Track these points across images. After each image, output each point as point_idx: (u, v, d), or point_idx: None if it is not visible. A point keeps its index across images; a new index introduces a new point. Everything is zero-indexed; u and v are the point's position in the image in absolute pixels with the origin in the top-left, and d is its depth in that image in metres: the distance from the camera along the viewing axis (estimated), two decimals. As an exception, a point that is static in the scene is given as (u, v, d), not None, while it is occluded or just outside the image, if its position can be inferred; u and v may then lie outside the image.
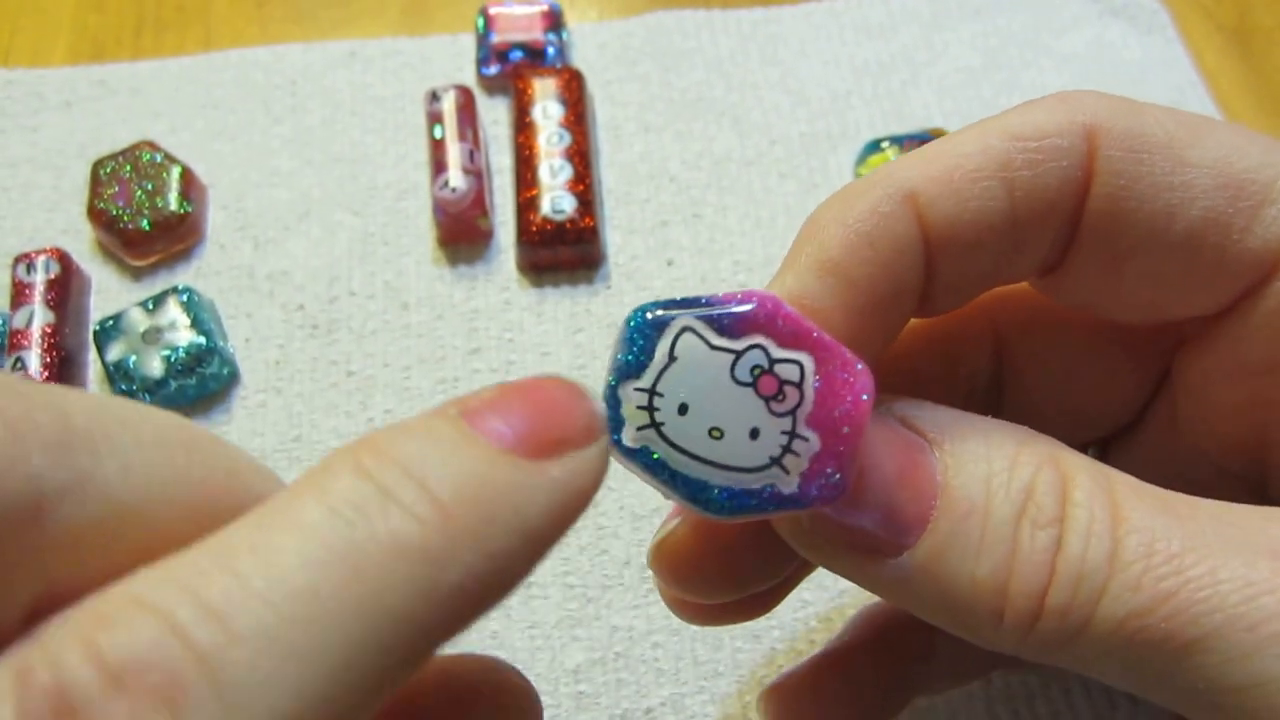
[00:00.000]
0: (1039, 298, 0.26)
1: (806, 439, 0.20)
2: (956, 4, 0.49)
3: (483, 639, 0.35)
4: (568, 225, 0.42)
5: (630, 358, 0.20)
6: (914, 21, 0.49)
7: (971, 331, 0.27)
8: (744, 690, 0.34)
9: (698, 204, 0.44)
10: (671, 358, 0.20)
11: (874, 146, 0.44)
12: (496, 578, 0.17)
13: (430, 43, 0.49)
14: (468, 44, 0.49)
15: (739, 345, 0.20)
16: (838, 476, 0.20)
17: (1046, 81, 0.47)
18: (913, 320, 0.24)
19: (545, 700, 0.34)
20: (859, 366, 0.20)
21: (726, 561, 0.26)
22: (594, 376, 0.40)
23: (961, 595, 0.21)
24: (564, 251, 0.42)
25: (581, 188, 0.43)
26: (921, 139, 0.44)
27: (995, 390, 0.28)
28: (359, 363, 0.40)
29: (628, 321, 0.20)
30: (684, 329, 0.20)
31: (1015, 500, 0.21)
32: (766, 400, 0.20)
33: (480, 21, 0.48)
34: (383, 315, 0.41)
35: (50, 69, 0.48)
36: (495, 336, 0.41)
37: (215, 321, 0.41)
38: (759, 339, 0.20)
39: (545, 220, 0.42)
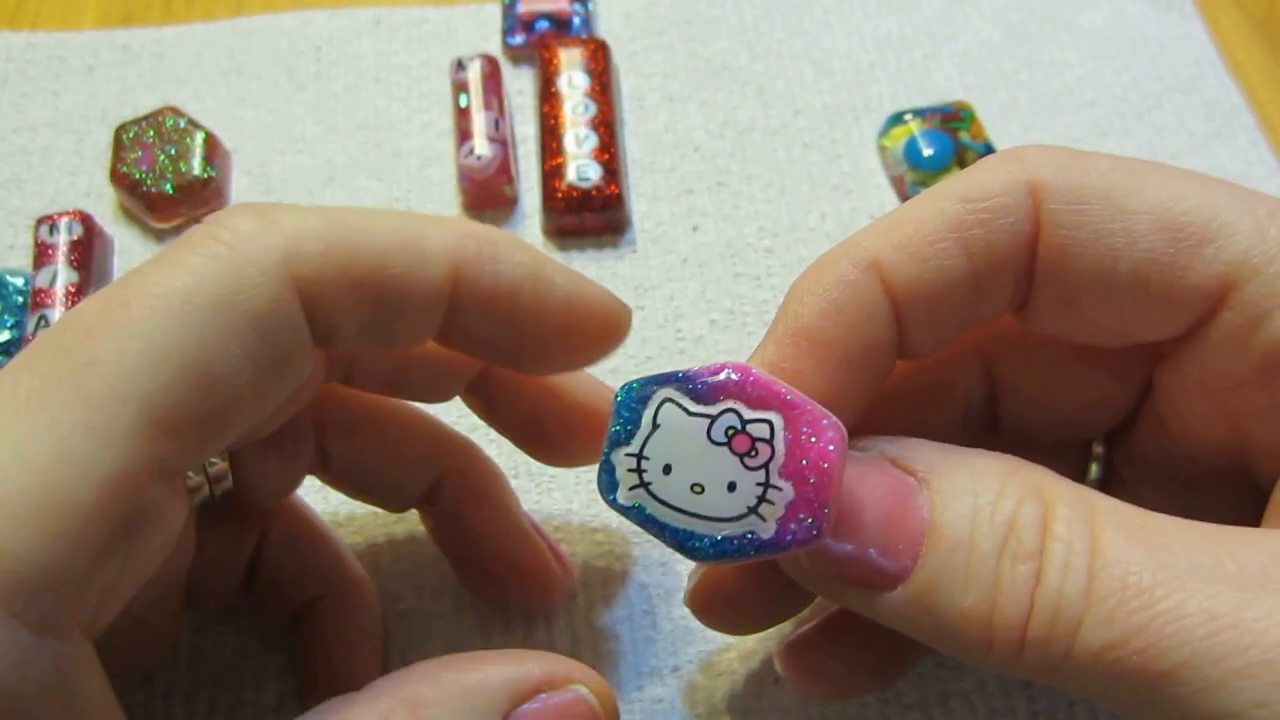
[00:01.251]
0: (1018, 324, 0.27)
1: (780, 489, 0.22)
2: (977, -21, 0.50)
3: (511, 596, 0.35)
4: (593, 192, 0.42)
5: (619, 428, 0.23)
6: (937, -6, 0.49)
7: (960, 359, 0.29)
8: (770, 647, 0.34)
9: (722, 172, 0.44)
10: (655, 425, 0.23)
11: (897, 119, 0.45)
12: None
13: (456, 12, 0.49)
14: (493, 13, 0.49)
15: (714, 410, 0.22)
16: (810, 521, 0.22)
17: (1066, 57, 0.47)
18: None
19: (574, 659, 0.34)
20: (826, 421, 0.22)
21: (749, 604, 0.29)
22: (622, 336, 0.40)
23: (952, 626, 0.23)
24: (590, 218, 0.42)
25: (607, 156, 0.43)
26: (944, 112, 0.45)
27: (991, 406, 0.30)
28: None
29: (616, 397, 0.23)
30: (664, 400, 0.23)
31: (998, 533, 0.22)
32: (740, 456, 0.22)
33: (506, -10, 0.48)
34: (409, 276, 0.42)
35: (73, 33, 0.48)
36: (523, 297, 0.41)
37: (242, 281, 0.41)
38: (731, 403, 0.22)
39: (571, 187, 0.42)
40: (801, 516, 0.22)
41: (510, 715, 0.25)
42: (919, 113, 0.45)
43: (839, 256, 0.25)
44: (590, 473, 0.37)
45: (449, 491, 0.33)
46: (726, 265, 0.42)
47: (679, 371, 0.23)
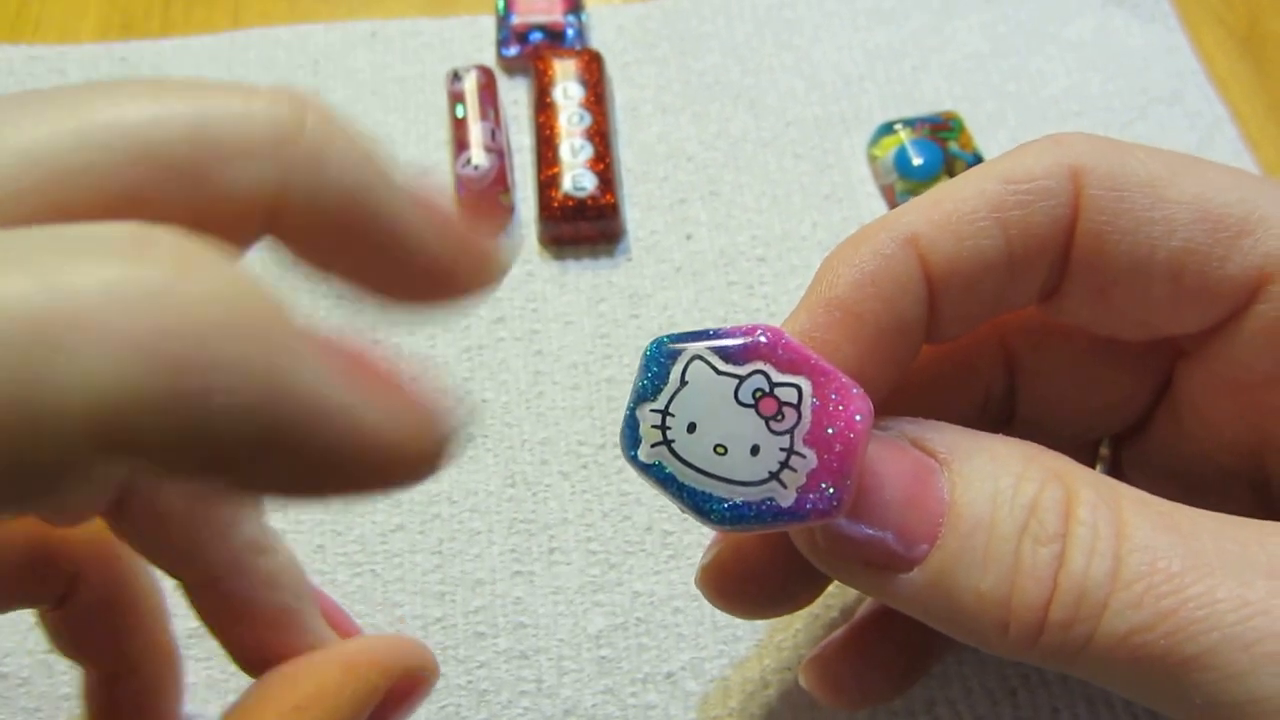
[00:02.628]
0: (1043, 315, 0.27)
1: (804, 456, 0.22)
2: (965, -8, 0.51)
3: (505, 605, 0.35)
4: (589, 202, 0.42)
5: (646, 383, 0.22)
6: (924, 8, 0.50)
7: (983, 348, 0.29)
8: (763, 654, 0.35)
9: (715, 182, 0.45)
10: (682, 382, 0.22)
11: (887, 128, 0.45)
12: (205, 389, 0.14)
13: (450, 24, 0.49)
14: (488, 25, 0.49)
15: (743, 371, 0.22)
16: (831, 491, 0.22)
17: (1053, 69, 0.48)
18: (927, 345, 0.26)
19: (568, 664, 0.35)
20: (855, 391, 0.22)
21: (764, 584, 0.29)
22: (618, 344, 0.41)
23: (968, 608, 0.22)
24: (585, 226, 0.43)
25: (602, 166, 0.43)
26: (933, 122, 0.45)
27: (1009, 397, 0.30)
28: (384, 330, 0.41)
29: (645, 352, 0.23)
30: (694, 357, 0.22)
31: (1018, 516, 0.22)
32: (766, 420, 0.22)
33: (500, 3, 0.49)
34: (407, 287, 0.42)
35: (73, 46, 0.49)
36: (519, 306, 0.41)
37: (242, 291, 0.41)
38: (761, 365, 0.22)
39: (567, 197, 0.42)
40: (823, 485, 0.22)
41: None
42: (908, 123, 0.45)
43: (877, 230, 0.24)
44: (586, 483, 0.38)
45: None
46: (720, 274, 0.42)
47: (710, 329, 0.22)
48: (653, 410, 0.22)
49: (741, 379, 0.22)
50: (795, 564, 0.26)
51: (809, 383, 0.22)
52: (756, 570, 0.28)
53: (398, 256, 0.19)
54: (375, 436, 0.16)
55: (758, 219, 0.44)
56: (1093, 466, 0.31)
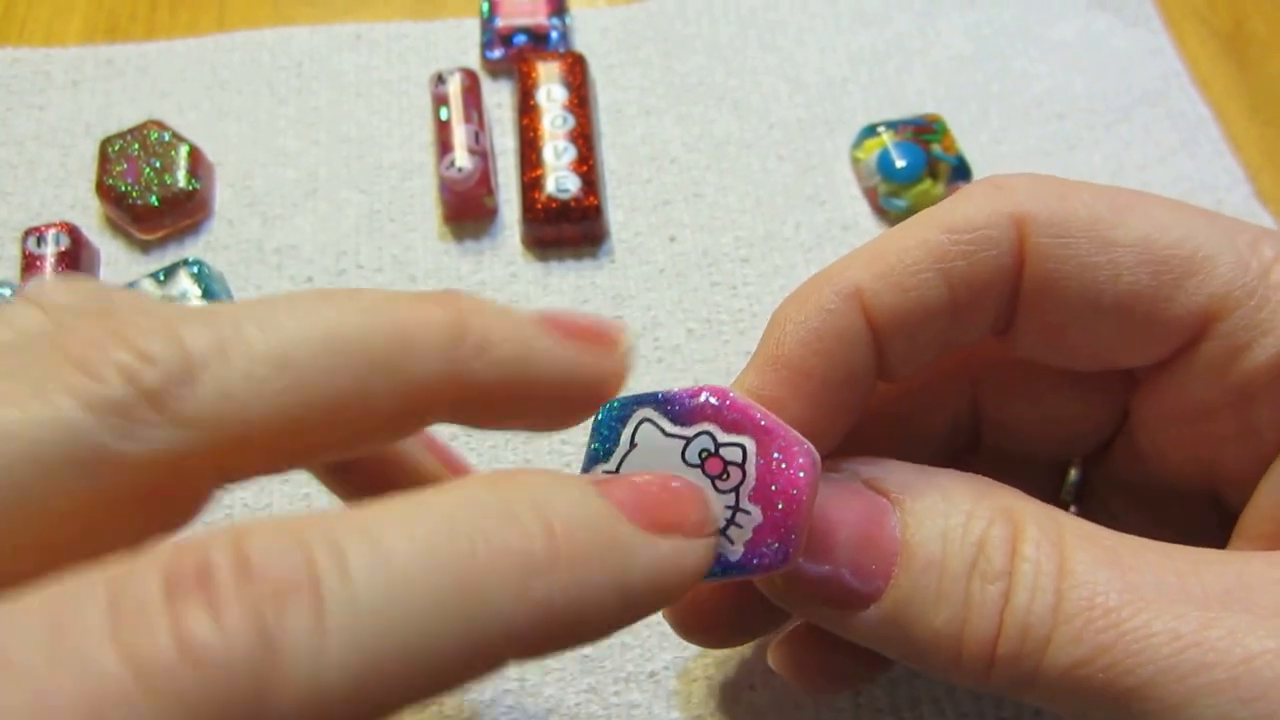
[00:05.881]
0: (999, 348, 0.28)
1: (749, 512, 0.22)
2: (948, -6, 0.51)
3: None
4: (572, 204, 0.43)
5: (598, 446, 0.23)
6: (908, 10, 0.50)
7: (946, 379, 0.29)
8: (746, 653, 0.35)
9: (699, 184, 0.45)
10: (632, 444, 0.23)
11: (870, 131, 0.45)
12: (581, 612, 0.18)
13: (435, 26, 0.50)
14: (472, 28, 0.49)
15: (689, 432, 0.23)
16: (776, 545, 0.22)
17: (1036, 71, 0.48)
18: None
19: (550, 663, 0.34)
20: (799, 447, 0.22)
21: (730, 620, 0.30)
22: (600, 346, 0.41)
23: (924, 644, 0.23)
24: (568, 228, 0.43)
25: (585, 168, 0.43)
26: (916, 124, 0.45)
27: (974, 426, 0.30)
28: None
29: (596, 416, 0.23)
30: (643, 420, 0.23)
31: (968, 554, 0.23)
32: (712, 479, 0.23)
33: (484, 6, 0.49)
34: (391, 287, 0.42)
35: (57, 48, 0.49)
36: (502, 307, 0.42)
37: (225, 292, 0.41)
38: (707, 426, 0.23)
39: (550, 199, 0.43)
40: (769, 541, 0.22)
41: None
42: (891, 125, 0.45)
43: (822, 284, 0.25)
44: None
45: None
46: (703, 275, 0.43)
47: (659, 393, 0.23)
48: (605, 471, 0.23)
49: (688, 440, 0.23)
50: (758, 601, 0.27)
51: (753, 442, 0.22)
52: (721, 608, 0.29)
53: (555, 395, 0.22)
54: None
55: (741, 220, 0.44)
56: (1060, 488, 0.31)
